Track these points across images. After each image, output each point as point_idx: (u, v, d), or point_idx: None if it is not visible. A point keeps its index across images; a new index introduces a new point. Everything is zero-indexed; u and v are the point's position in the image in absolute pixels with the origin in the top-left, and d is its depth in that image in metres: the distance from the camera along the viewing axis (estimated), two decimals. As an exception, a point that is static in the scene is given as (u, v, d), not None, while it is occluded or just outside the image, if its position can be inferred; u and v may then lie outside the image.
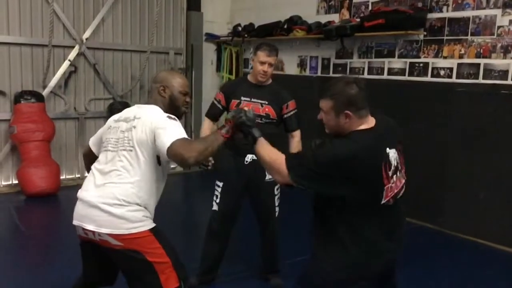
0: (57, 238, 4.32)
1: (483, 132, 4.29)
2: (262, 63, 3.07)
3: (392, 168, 2.06)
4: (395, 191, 2.09)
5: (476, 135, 4.34)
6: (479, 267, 3.84)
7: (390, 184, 2.05)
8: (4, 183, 5.64)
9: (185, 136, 2.07)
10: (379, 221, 2.11)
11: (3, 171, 5.63)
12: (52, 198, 5.18)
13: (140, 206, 2.11)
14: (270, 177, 3.08)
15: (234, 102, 3.13)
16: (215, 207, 3.22)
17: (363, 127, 2.06)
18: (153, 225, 2.16)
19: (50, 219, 4.96)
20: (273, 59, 3.09)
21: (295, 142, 3.24)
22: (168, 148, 2.00)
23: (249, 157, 3.08)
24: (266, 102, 3.12)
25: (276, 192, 3.22)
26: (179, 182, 6.34)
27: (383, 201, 2.05)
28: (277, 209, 3.25)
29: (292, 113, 3.21)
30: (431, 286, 3.45)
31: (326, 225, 2.13)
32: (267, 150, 2.17)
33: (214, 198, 3.23)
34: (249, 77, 3.23)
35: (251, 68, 3.32)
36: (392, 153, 2.08)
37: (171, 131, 2.06)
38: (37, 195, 5.21)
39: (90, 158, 2.38)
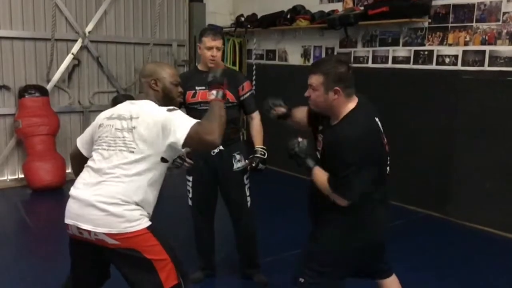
0: (64, 231, 4.33)
1: (489, 119, 4.26)
2: (209, 48, 2.98)
3: (383, 134, 2.19)
4: (388, 156, 2.22)
5: (482, 122, 4.31)
6: (486, 255, 3.83)
7: (387, 150, 2.20)
8: (10, 177, 5.68)
9: (194, 121, 2.03)
10: (383, 192, 2.22)
11: (9, 166, 5.67)
12: (58, 192, 5.19)
13: (138, 205, 2.05)
14: (239, 166, 3.06)
15: (190, 93, 3.01)
16: (190, 203, 3.18)
17: (351, 106, 2.13)
18: (150, 223, 2.09)
19: (56, 212, 4.88)
20: (219, 43, 3.01)
21: (256, 124, 3.14)
22: (187, 138, 1.97)
23: None
24: None
25: (245, 182, 3.13)
26: (179, 176, 6.32)
27: (388, 170, 2.21)
28: (248, 199, 3.14)
29: (248, 94, 3.11)
30: (438, 275, 3.44)
31: (336, 206, 2.14)
32: (320, 178, 2.18)
33: (187, 193, 3.17)
34: (200, 66, 3.15)
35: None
36: (379, 121, 2.19)
37: (180, 122, 2.02)
38: (43, 189, 5.25)
39: (78, 160, 2.27)
